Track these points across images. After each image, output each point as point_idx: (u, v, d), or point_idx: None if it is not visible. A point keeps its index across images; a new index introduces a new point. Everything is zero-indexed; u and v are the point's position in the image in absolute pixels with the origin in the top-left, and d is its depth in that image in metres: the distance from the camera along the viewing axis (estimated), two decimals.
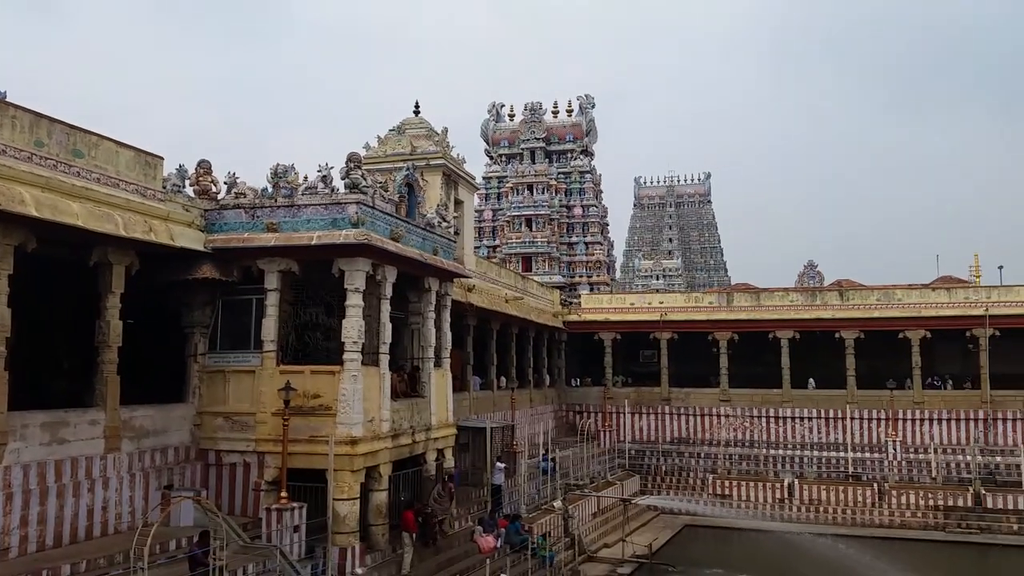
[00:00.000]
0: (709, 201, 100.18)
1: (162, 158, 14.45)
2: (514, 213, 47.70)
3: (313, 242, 14.41)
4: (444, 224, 18.13)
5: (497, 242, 48.63)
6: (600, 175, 51.36)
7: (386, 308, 15.54)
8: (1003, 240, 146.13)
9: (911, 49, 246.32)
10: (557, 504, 22.31)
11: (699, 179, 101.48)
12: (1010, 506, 26.78)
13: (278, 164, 15.24)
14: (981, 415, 30.87)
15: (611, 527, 24.63)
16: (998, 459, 29.20)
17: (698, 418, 33.59)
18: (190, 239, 14.40)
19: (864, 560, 20.69)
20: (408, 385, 16.69)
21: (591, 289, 45.37)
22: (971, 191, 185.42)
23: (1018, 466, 28.20)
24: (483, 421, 22.71)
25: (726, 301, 35.00)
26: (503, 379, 28.79)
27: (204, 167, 16.03)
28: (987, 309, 31.42)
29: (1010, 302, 31.78)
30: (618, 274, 70.41)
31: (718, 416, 33.22)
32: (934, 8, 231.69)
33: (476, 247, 35.43)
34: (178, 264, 14.32)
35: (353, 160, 14.86)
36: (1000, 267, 40.07)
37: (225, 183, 15.73)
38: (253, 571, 12.22)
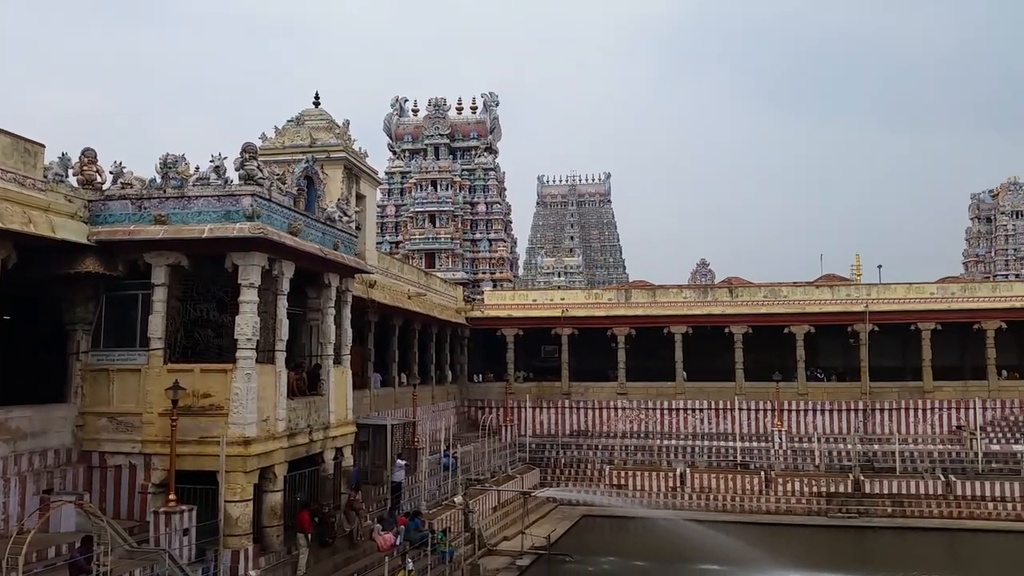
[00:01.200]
0: (609, 200, 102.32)
1: (43, 146, 13.68)
2: (418, 209, 47.49)
3: (204, 235, 13.93)
4: (345, 219, 17.87)
5: (400, 238, 48.30)
6: (504, 173, 51.74)
7: (283, 304, 15.19)
8: (883, 241, 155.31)
9: (804, 57, 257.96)
10: (458, 499, 22.40)
11: (599, 179, 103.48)
12: (886, 491, 28.50)
13: (168, 154, 14.65)
14: (861, 406, 32.68)
15: (511, 520, 24.89)
16: (876, 447, 31.01)
17: (596, 411, 34.33)
18: (72, 231, 13.71)
19: (748, 546, 21.61)
20: (306, 383, 16.36)
21: (494, 286, 45.64)
22: (854, 194, 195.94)
23: (894, 453, 30.05)
24: (383, 419, 22.56)
25: (624, 298, 35.88)
26: (405, 376, 28.64)
27: (88, 156, 15.26)
28: (867, 306, 33.29)
29: (888, 299, 33.77)
30: (521, 271, 70.98)
31: (615, 409, 34.05)
32: (825, 17, 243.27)
33: (378, 243, 35.01)
34: (60, 257, 13.60)
35: (248, 151, 14.44)
36: (879, 266, 42.54)
37: (111, 172, 15.04)
38: None
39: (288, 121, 23.47)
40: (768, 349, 35.17)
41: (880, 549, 25.22)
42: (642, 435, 33.14)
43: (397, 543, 18.14)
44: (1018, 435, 30.80)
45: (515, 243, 55.50)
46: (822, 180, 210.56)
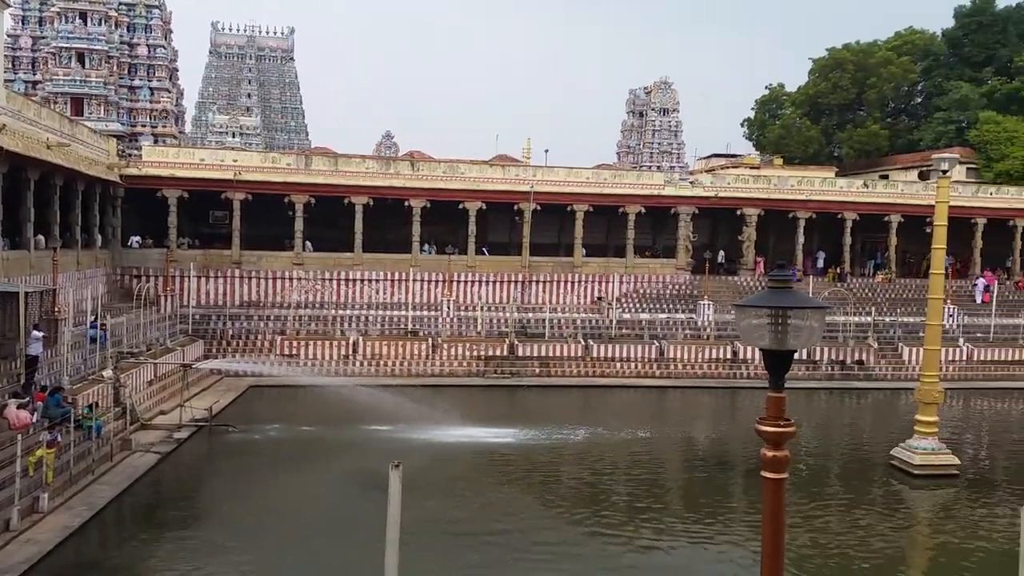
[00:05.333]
0: (292, 59, 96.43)
1: None
2: (62, 44, 40.79)
3: None
4: None
5: (39, 77, 41.45)
6: (171, 12, 46.22)
7: None
8: (552, 126, 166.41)
9: None
10: (107, 373, 20.62)
11: (283, 33, 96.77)
12: (535, 353, 31.62)
13: None
14: (520, 278, 35.41)
15: (170, 394, 23.62)
16: (530, 315, 34.05)
17: (270, 281, 33.29)
18: None
19: (413, 405, 22.85)
20: None
21: (156, 141, 41.38)
22: (527, 80, 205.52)
23: (544, 320, 33.29)
24: (15, 285, 19.75)
25: (304, 164, 34.56)
26: (43, 238, 25.18)
27: None
28: (532, 186, 35.62)
29: (551, 181, 36.38)
30: (189, 127, 65.13)
31: (291, 279, 33.30)
32: None
33: (9, 80, 29.63)
34: None
35: None
36: (546, 150, 46.08)
37: None
38: None
39: None
40: (444, 223, 36.49)
41: (529, 404, 28.16)
42: (317, 305, 32.94)
43: (34, 421, 16.43)
44: (646, 306, 35.65)
45: (182, 95, 50.43)
46: (502, 63, 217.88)
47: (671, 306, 35.65)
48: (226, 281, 32.93)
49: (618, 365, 31.85)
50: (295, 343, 30.32)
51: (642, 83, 79.69)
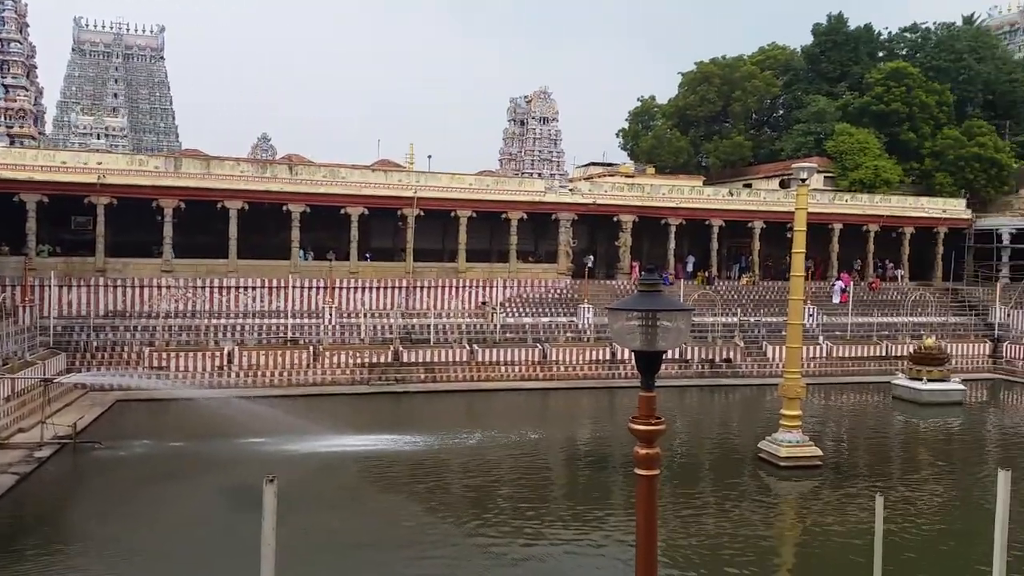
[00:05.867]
0: (162, 58, 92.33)
1: None
2: None
3: None
4: None
5: None
6: (26, 5, 43.28)
7: None
8: (435, 132, 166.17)
9: None
10: None
11: (152, 31, 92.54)
12: (420, 360, 31.52)
13: None
14: (405, 284, 35.19)
15: (30, 410, 22.13)
16: (415, 321, 33.89)
17: (138, 290, 31.66)
18: None
19: (292, 416, 22.33)
20: None
21: (12, 143, 38.70)
22: (410, 85, 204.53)
23: (429, 326, 33.20)
24: None
25: (174, 167, 33.11)
26: None
27: None
28: (416, 192, 35.50)
29: (434, 187, 36.35)
30: (49, 128, 61.24)
31: (160, 287, 31.81)
32: None
33: None
34: None
35: None
36: (429, 156, 45.87)
37: None
38: None
39: None
40: (325, 228, 35.83)
41: (414, 411, 27.99)
42: (189, 315, 31.60)
43: None
44: (529, 310, 36.16)
45: (41, 93, 47.42)
46: (385, 68, 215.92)
47: (553, 310, 36.32)
48: (90, 290, 31.09)
49: (503, 369, 32.17)
50: (165, 354, 28.99)
51: (523, 92, 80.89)
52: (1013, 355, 37.90)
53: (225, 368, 29.17)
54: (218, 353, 29.38)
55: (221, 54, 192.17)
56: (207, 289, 32.19)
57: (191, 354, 29.21)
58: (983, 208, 47.78)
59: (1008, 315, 39.75)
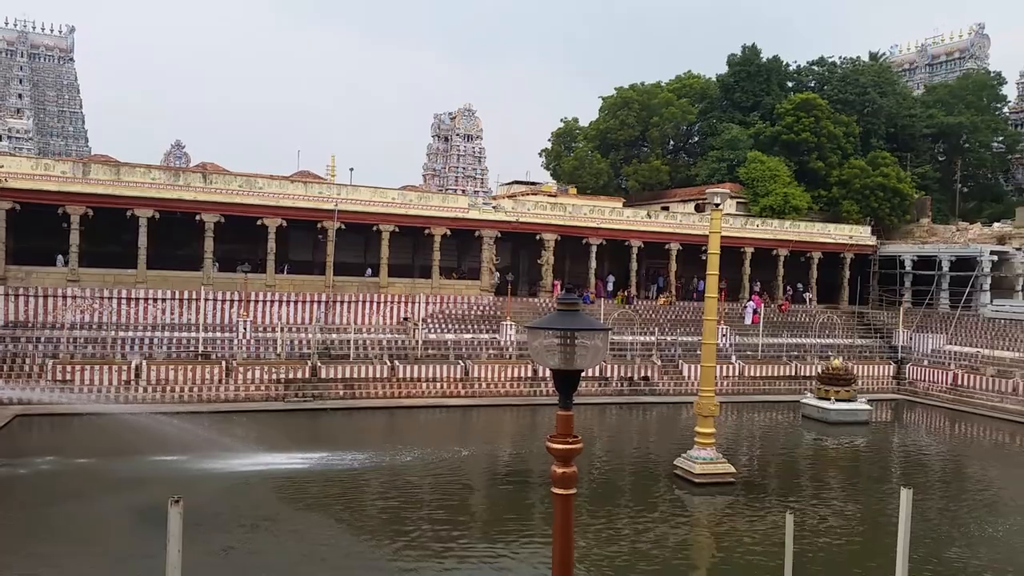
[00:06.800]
0: (72, 59, 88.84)
1: None
2: None
3: None
4: None
5: None
6: None
7: None
8: (357, 146, 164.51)
9: None
10: None
11: (61, 31, 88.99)
12: (339, 375, 30.98)
13: None
14: (324, 298, 34.59)
15: None
16: (334, 336, 33.30)
17: (40, 299, 30.18)
18: None
19: (203, 433, 21.63)
20: None
21: None
22: (331, 98, 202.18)
23: (349, 341, 32.70)
24: None
25: (82, 172, 31.80)
26: None
27: None
28: (336, 204, 35.01)
29: (356, 200, 35.93)
30: None
31: (64, 298, 30.40)
32: None
33: None
34: None
35: None
36: (351, 169, 45.24)
37: None
38: None
39: None
40: (240, 239, 34.96)
41: (333, 428, 27.44)
42: (95, 327, 30.28)
43: None
44: (452, 326, 36.02)
45: None
46: (306, 79, 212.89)
47: (475, 327, 36.26)
48: None
49: (424, 385, 31.91)
50: (69, 367, 27.69)
51: (448, 108, 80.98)
52: (915, 376, 39.71)
53: (132, 382, 28.02)
54: (125, 367, 28.21)
55: (136, 60, 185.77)
56: (114, 300, 30.93)
57: (97, 367, 27.96)
58: (887, 235, 50.14)
59: (911, 338, 41.68)
